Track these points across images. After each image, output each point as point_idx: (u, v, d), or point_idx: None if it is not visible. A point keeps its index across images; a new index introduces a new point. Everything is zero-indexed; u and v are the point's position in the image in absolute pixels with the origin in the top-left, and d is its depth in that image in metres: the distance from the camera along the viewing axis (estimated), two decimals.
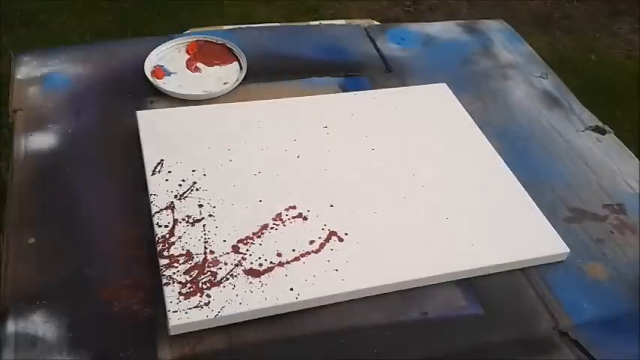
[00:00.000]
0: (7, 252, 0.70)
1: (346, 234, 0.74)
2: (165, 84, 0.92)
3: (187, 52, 0.99)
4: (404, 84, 0.99)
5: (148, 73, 0.92)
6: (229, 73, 0.96)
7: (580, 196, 0.84)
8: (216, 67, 0.97)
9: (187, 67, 0.96)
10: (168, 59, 0.97)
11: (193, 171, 0.79)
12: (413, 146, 0.87)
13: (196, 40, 1.00)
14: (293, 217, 0.75)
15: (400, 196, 0.79)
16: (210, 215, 0.74)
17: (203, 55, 0.98)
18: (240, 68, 0.97)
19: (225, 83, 0.94)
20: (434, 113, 0.93)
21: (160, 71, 0.94)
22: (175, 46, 0.99)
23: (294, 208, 0.76)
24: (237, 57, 0.98)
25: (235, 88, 0.94)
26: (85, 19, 2.19)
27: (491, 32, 1.14)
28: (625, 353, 0.68)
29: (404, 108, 0.93)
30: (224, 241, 0.71)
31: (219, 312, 0.64)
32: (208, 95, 0.92)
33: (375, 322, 0.68)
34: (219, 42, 1.00)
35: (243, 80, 0.95)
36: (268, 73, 0.96)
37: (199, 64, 0.97)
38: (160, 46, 0.97)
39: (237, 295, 0.66)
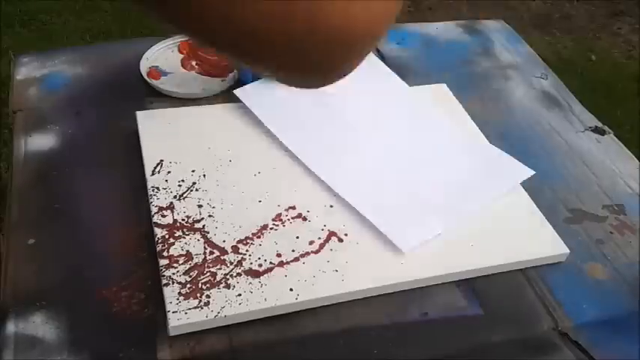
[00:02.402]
0: (7, 253, 0.70)
1: (346, 234, 0.74)
2: (163, 84, 0.92)
3: (180, 51, 0.99)
4: None
5: (144, 75, 0.92)
6: (225, 70, 0.96)
7: (580, 197, 0.84)
8: (212, 65, 0.96)
9: (183, 66, 0.96)
10: (162, 60, 0.97)
11: (193, 171, 0.79)
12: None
13: (188, 39, 1.00)
14: (293, 218, 0.75)
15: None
16: (209, 215, 0.74)
17: (197, 53, 0.98)
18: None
19: (222, 80, 0.94)
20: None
21: (156, 72, 0.94)
22: (168, 47, 0.99)
23: (293, 208, 0.76)
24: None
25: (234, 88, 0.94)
26: (85, 19, 2.20)
27: (491, 32, 1.14)
28: (625, 353, 0.68)
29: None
30: (224, 241, 0.71)
31: (218, 312, 0.64)
32: (207, 93, 0.92)
33: (375, 322, 0.68)
34: None
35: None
36: None
37: (194, 63, 0.97)
38: (152, 47, 0.96)
39: (236, 295, 0.66)
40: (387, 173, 0.82)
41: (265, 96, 0.90)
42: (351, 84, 0.95)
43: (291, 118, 0.88)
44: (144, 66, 0.94)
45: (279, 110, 0.89)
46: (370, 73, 0.97)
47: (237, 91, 0.91)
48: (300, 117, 0.88)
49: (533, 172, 0.83)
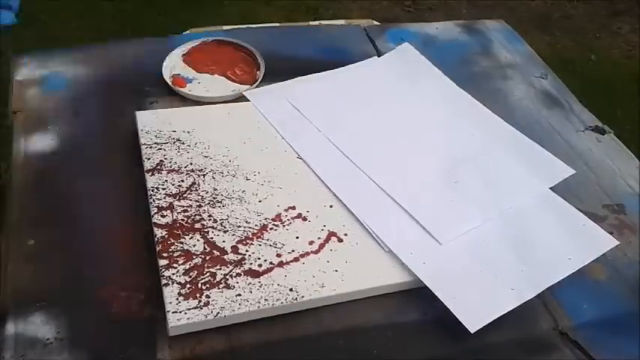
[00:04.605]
0: (7, 253, 0.70)
1: (345, 234, 0.74)
2: (191, 90, 0.91)
3: (190, 58, 0.98)
4: None
5: (172, 85, 0.92)
6: (248, 69, 0.97)
7: (580, 197, 0.84)
8: (235, 68, 0.97)
9: (200, 71, 0.96)
10: (179, 69, 0.96)
11: (192, 171, 0.79)
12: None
13: (199, 44, 1.00)
14: (292, 218, 0.75)
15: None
16: (209, 216, 0.74)
17: (212, 57, 0.98)
18: (258, 65, 0.97)
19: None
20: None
21: (180, 79, 0.93)
22: (178, 57, 0.98)
23: (293, 208, 0.76)
24: (245, 53, 0.98)
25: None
26: (85, 19, 2.19)
27: (491, 32, 1.14)
28: (625, 353, 0.68)
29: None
30: (223, 241, 0.71)
31: (218, 313, 0.64)
32: (236, 94, 0.92)
33: (375, 322, 0.68)
34: (228, 41, 1.00)
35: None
36: (268, 73, 0.96)
37: (213, 66, 0.96)
38: (165, 59, 0.95)
39: (236, 295, 0.66)
40: (426, 167, 0.83)
41: (273, 98, 0.91)
42: (373, 81, 0.97)
43: (302, 119, 0.89)
44: (166, 76, 0.93)
45: (287, 112, 0.89)
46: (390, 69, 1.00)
47: (247, 93, 0.92)
48: (313, 117, 0.89)
49: (573, 172, 0.83)
